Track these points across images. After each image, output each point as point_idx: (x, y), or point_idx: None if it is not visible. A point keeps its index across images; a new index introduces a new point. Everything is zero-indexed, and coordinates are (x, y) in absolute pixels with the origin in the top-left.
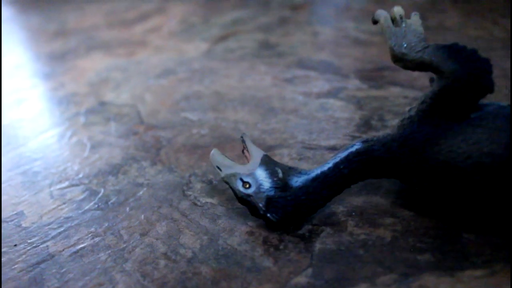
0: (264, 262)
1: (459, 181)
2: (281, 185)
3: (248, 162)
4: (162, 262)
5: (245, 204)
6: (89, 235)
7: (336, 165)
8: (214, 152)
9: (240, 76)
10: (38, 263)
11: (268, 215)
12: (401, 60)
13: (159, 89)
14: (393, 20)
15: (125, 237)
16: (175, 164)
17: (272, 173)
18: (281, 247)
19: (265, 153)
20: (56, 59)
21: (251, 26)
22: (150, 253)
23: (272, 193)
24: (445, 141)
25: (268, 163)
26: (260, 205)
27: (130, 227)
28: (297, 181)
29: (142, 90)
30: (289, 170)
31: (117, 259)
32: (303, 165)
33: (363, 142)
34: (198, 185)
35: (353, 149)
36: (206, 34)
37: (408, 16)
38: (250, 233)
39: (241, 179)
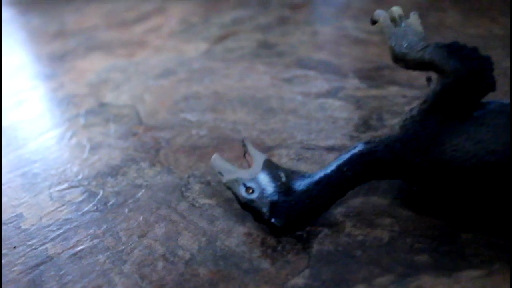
0: (261, 264)
1: (464, 180)
2: (285, 189)
3: (250, 166)
4: (160, 264)
5: (248, 210)
6: (88, 237)
7: (339, 168)
8: (215, 157)
9: (240, 76)
10: (37, 265)
11: (273, 220)
12: (402, 60)
13: (159, 90)
14: (392, 20)
15: (124, 238)
16: (174, 165)
17: (275, 177)
18: (278, 248)
19: (267, 157)
20: (56, 60)
21: (250, 26)
22: (148, 255)
23: (275, 197)
24: (449, 140)
25: (270, 167)
26: (264, 210)
27: (129, 228)
28: (300, 184)
29: (142, 90)
30: (292, 174)
31: (116, 261)
32: (301, 165)
33: (366, 143)
34: (196, 186)
35: (356, 150)
36: (205, 34)
37: (407, 15)
38: (248, 235)
39: (244, 184)
